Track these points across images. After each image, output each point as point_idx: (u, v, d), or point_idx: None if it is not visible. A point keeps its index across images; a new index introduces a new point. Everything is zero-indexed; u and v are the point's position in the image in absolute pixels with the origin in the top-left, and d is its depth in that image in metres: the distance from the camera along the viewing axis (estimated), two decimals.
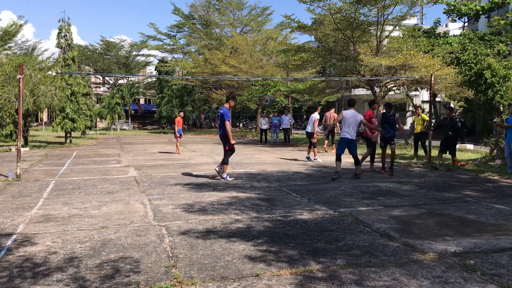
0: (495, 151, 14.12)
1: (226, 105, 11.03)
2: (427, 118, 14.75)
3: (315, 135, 15.46)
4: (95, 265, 4.66)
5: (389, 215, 6.95)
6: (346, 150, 11.09)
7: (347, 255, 4.98)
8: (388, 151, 12.13)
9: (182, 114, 19.36)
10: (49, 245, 5.35)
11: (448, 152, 12.85)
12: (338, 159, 11.02)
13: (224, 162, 10.80)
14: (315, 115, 15.86)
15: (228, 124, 10.70)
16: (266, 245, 5.37)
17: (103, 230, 6.05)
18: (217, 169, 10.89)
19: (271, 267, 4.59)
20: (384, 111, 12.25)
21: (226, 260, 4.80)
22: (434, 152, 14.76)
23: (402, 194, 8.77)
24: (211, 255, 4.99)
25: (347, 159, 15.36)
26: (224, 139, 10.81)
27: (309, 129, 15.81)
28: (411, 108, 36.32)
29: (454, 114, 13.47)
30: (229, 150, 10.82)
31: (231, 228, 6.15)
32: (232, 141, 10.79)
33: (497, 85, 13.28)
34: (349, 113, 10.92)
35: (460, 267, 4.61)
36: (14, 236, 5.72)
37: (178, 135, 17.98)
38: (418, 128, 14.92)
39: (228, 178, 10.64)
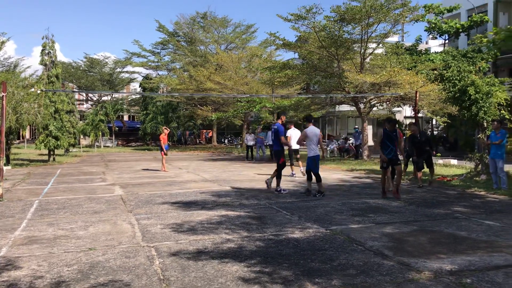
0: (480, 166, 14.24)
1: (279, 121, 11.61)
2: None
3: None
4: None
5: (381, 232, 6.90)
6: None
7: (342, 275, 4.90)
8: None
9: (166, 130, 18.70)
10: (35, 268, 5.17)
11: (427, 166, 12.93)
12: (310, 177, 10.76)
13: (277, 175, 11.34)
14: (295, 132, 15.40)
15: (283, 139, 11.49)
16: (259, 265, 5.27)
17: (90, 251, 5.88)
18: (268, 182, 11.60)
19: None
20: (385, 127, 10.69)
21: (220, 283, 4.69)
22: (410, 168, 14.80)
23: (391, 211, 8.74)
24: (204, 277, 4.86)
25: (334, 175, 15.39)
26: (279, 154, 11.42)
27: (296, 146, 15.32)
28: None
29: (422, 129, 13.41)
30: (282, 165, 11.34)
31: (223, 248, 6.04)
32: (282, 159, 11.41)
33: (480, 101, 13.46)
34: (311, 130, 10.74)
35: (457, 286, 4.56)
36: None
37: (164, 152, 17.67)
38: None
39: (282, 191, 11.18)
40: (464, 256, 5.63)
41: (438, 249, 5.97)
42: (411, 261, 5.43)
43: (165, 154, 17.80)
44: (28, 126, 24.26)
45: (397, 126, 11.42)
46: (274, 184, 11.57)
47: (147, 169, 18.66)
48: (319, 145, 10.81)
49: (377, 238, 6.56)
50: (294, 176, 15.08)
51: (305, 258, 5.57)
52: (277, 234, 6.80)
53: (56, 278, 4.83)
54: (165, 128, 18.81)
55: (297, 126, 23.62)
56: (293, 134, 14.82)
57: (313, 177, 10.72)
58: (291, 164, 15.55)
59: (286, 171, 13.59)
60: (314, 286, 4.58)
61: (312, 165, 10.69)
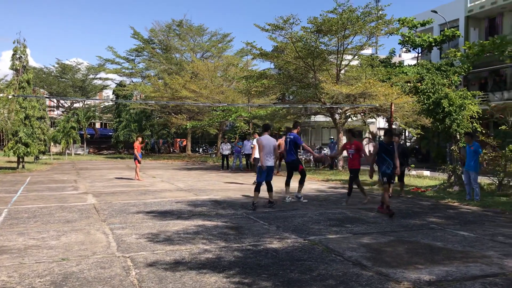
0: (452, 177, 14.51)
1: (295, 131, 11.73)
2: None
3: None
4: None
5: (359, 243, 6.91)
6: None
7: (322, 286, 4.87)
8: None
9: (140, 138, 18.31)
10: (5, 280, 4.97)
11: (398, 179, 13.02)
12: (258, 189, 10.24)
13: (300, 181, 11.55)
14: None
15: (306, 146, 12.03)
16: (238, 276, 5.18)
17: (63, 262, 5.69)
18: (298, 196, 11.69)
19: None
20: (382, 139, 10.06)
21: None
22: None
23: (368, 221, 8.78)
24: None
25: (310, 186, 15.43)
26: (296, 163, 11.68)
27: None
28: (367, 135, 37.20)
29: (398, 140, 13.36)
30: (303, 171, 11.69)
31: (200, 258, 5.93)
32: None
33: (454, 114, 13.73)
34: (265, 140, 10.41)
35: None
36: None
37: (138, 160, 17.39)
38: None
39: (302, 199, 11.48)
40: (441, 266, 5.67)
41: (416, 259, 6.01)
42: (389, 271, 5.44)
43: (139, 162, 17.53)
44: None
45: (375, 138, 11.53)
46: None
47: (121, 178, 18.34)
48: (273, 156, 10.43)
49: (355, 248, 6.56)
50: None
51: (284, 268, 5.52)
52: (255, 245, 6.73)
53: None
54: (139, 136, 18.52)
55: (273, 136, 23.63)
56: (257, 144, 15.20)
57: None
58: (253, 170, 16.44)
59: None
60: None
61: (265, 175, 10.30)
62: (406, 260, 5.95)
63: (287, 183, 11.72)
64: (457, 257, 6.16)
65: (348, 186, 11.47)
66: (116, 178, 18.32)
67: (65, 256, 5.95)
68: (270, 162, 10.28)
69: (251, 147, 23.18)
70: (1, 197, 12.05)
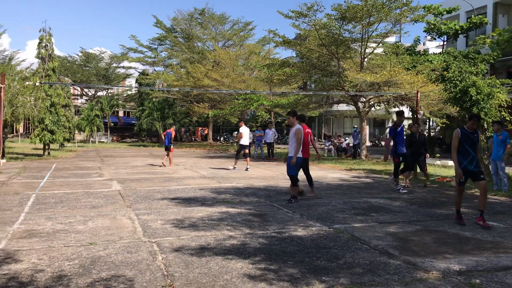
0: None
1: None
2: None
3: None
4: (86, 284, 4.39)
5: (385, 231, 6.83)
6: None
7: (349, 274, 4.82)
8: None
9: (174, 127, 19.41)
10: (35, 262, 5.05)
11: (420, 169, 13.02)
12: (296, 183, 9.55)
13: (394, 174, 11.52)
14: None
15: (388, 141, 11.59)
16: (264, 263, 5.17)
17: (91, 246, 5.76)
18: (389, 179, 11.97)
19: (273, 287, 4.40)
20: (463, 126, 8.09)
21: (225, 279, 4.59)
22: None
23: (394, 211, 8.67)
24: (209, 273, 4.76)
25: (333, 174, 15.33)
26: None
27: (245, 142, 17.02)
28: (390, 124, 36.71)
29: (420, 130, 13.50)
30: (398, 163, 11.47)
31: (226, 244, 5.94)
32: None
33: (481, 102, 13.42)
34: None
35: (466, 286, 4.49)
36: None
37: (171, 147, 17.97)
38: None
39: (401, 190, 11.21)
40: (470, 256, 5.56)
41: (444, 249, 5.90)
42: (417, 260, 5.36)
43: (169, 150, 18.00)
44: (23, 120, 23.98)
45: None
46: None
47: (152, 164, 18.54)
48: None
49: (382, 237, 6.48)
50: (235, 170, 16.46)
51: (310, 256, 5.48)
52: (279, 232, 6.71)
53: (57, 272, 4.72)
54: (172, 125, 19.27)
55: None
56: (245, 132, 16.84)
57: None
58: (236, 159, 17.08)
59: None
60: (322, 284, 4.49)
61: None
62: (434, 250, 5.85)
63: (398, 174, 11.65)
64: (487, 247, 6.03)
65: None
66: (147, 164, 18.52)
67: (93, 241, 6.03)
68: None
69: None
70: (28, 182, 12.28)
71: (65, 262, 5.08)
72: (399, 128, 11.27)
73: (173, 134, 18.36)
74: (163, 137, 18.25)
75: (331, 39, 20.79)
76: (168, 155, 18.01)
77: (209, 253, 5.54)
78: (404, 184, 11.89)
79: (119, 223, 7.16)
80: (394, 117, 13.21)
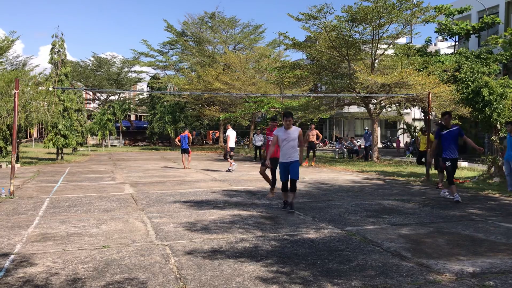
0: (492, 168, 14.07)
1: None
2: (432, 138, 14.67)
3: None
4: (100, 287, 4.44)
5: (397, 233, 6.80)
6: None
7: (361, 276, 4.81)
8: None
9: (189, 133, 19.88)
10: (50, 265, 5.12)
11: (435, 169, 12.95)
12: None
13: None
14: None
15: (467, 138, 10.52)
16: (276, 265, 5.18)
17: (104, 249, 5.82)
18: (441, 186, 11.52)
19: None
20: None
21: (238, 282, 4.60)
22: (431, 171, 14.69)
23: (406, 212, 8.63)
24: (221, 276, 4.78)
25: (344, 177, 15.28)
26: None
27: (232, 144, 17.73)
28: (402, 125, 36.51)
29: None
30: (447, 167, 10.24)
31: (238, 247, 5.95)
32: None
33: (494, 103, 13.31)
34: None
35: None
36: (12, 256, 5.47)
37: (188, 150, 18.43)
38: (423, 147, 14.81)
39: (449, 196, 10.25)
40: (484, 258, 5.51)
41: (457, 251, 5.86)
42: (430, 262, 5.33)
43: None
44: (36, 125, 24.25)
45: (408, 128, 11.24)
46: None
47: (166, 167, 18.64)
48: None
49: (394, 239, 6.45)
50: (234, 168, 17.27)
51: (322, 258, 5.48)
52: (291, 234, 6.71)
53: (71, 275, 4.77)
54: (191, 130, 19.62)
55: (304, 126, 23.49)
56: (231, 134, 17.39)
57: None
58: (227, 159, 17.66)
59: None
60: (334, 286, 4.49)
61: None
62: (447, 252, 5.81)
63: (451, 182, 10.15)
64: (501, 249, 5.97)
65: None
66: (163, 167, 18.64)
67: (106, 244, 6.08)
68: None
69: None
70: (42, 186, 12.43)
71: (79, 265, 5.14)
72: (445, 131, 10.18)
73: (190, 136, 18.74)
74: (177, 142, 18.64)
75: (342, 41, 20.76)
76: (188, 157, 18.51)
77: (221, 256, 5.56)
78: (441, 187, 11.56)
79: (132, 227, 7.22)
80: (406, 118, 13.11)
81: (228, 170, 17.06)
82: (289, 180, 8.68)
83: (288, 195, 8.73)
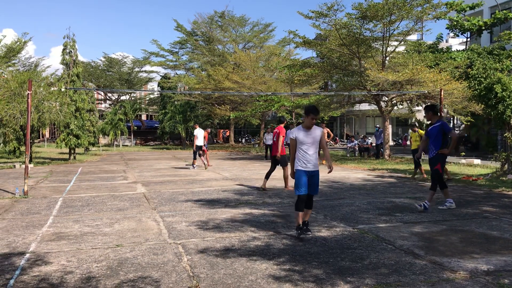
0: (506, 166, 13.94)
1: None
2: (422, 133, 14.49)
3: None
4: (114, 285, 4.48)
5: (410, 231, 6.77)
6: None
7: (374, 274, 4.79)
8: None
9: (208, 130, 20.61)
10: (64, 264, 5.17)
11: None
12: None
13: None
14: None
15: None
16: (288, 264, 5.18)
17: (118, 248, 5.86)
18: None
19: (298, 287, 4.41)
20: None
21: (250, 280, 4.62)
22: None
23: (419, 210, 8.57)
24: (234, 274, 4.80)
25: (356, 175, 15.22)
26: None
27: (200, 143, 18.25)
28: (413, 121, 36.25)
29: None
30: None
31: (250, 246, 5.97)
32: None
33: (507, 99, 13.16)
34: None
35: (495, 287, 4.42)
36: (27, 255, 5.54)
37: (206, 148, 18.72)
38: (415, 145, 14.58)
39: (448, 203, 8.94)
40: (499, 256, 5.47)
41: (471, 248, 5.82)
42: (444, 260, 5.30)
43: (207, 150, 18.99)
44: (48, 125, 24.46)
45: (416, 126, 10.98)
46: None
47: (179, 167, 18.73)
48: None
49: (407, 237, 6.42)
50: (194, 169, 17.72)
51: (335, 256, 5.47)
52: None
53: (86, 273, 4.82)
54: (206, 131, 19.70)
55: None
56: (199, 134, 18.16)
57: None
58: (194, 159, 18.29)
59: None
60: (347, 284, 4.48)
61: None
62: (461, 249, 5.78)
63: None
64: None
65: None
66: (175, 167, 18.72)
67: (119, 243, 6.13)
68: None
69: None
70: (55, 186, 12.55)
71: (93, 264, 5.19)
72: (430, 127, 9.04)
73: (206, 135, 18.93)
74: (196, 141, 18.77)
75: (352, 38, 20.67)
76: (205, 155, 18.53)
77: (234, 254, 5.58)
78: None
79: (144, 225, 7.26)
80: (417, 115, 12.95)
81: (190, 167, 18.20)
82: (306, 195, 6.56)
83: (305, 213, 6.59)
